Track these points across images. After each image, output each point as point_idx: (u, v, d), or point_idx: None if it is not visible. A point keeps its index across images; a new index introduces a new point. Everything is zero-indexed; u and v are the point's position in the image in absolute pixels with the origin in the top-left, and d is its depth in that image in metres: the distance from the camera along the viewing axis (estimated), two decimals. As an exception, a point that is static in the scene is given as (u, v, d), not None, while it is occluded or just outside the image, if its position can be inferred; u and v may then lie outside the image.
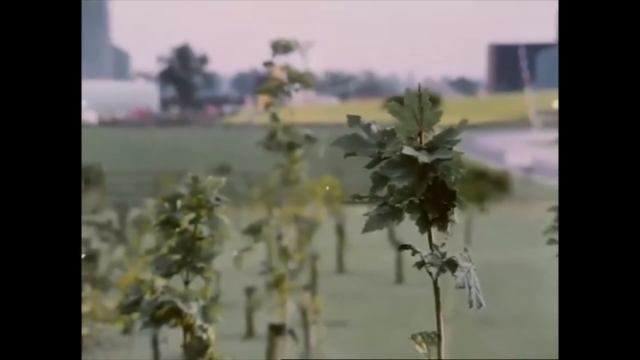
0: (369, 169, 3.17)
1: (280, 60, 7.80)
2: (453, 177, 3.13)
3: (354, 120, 3.22)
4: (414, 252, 3.18)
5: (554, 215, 5.66)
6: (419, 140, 3.13)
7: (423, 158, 3.05)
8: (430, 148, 3.10)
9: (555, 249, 5.41)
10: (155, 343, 13.14)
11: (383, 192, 3.19)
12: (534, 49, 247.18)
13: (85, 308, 14.31)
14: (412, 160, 3.06)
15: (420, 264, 3.17)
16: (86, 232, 14.92)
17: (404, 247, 3.24)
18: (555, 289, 5.56)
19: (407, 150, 3.05)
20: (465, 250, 3.22)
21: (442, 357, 3.30)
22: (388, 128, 3.17)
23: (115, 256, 13.91)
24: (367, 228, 3.20)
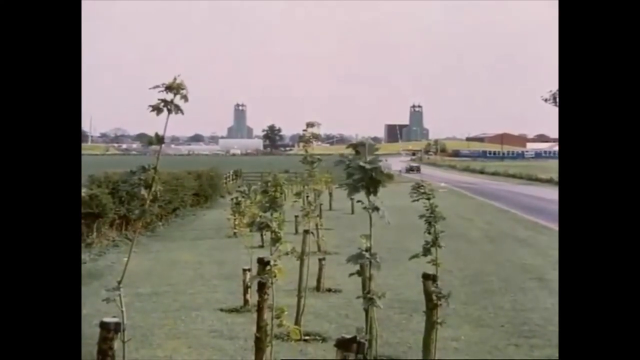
0: (345, 170, 3.02)
1: (308, 129, 7.72)
2: (379, 175, 2.98)
3: (341, 155, 3.09)
4: (363, 203, 3.07)
5: (412, 187, 4.68)
6: (365, 159, 2.98)
7: (367, 166, 2.93)
8: (370, 162, 2.96)
9: (410, 200, 4.73)
10: (261, 234, 13.06)
11: (350, 180, 3.02)
12: (401, 126, 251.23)
13: (235, 222, 14.05)
14: (362, 167, 2.93)
15: (365, 207, 3.05)
16: (236, 194, 14.65)
17: (359, 201, 3.14)
18: (416, 219, 5.13)
19: (361, 163, 2.94)
20: (382, 202, 3.09)
21: (372, 246, 3.16)
22: (353, 155, 3.03)
23: (247, 203, 13.77)
24: (348, 195, 3.03)
